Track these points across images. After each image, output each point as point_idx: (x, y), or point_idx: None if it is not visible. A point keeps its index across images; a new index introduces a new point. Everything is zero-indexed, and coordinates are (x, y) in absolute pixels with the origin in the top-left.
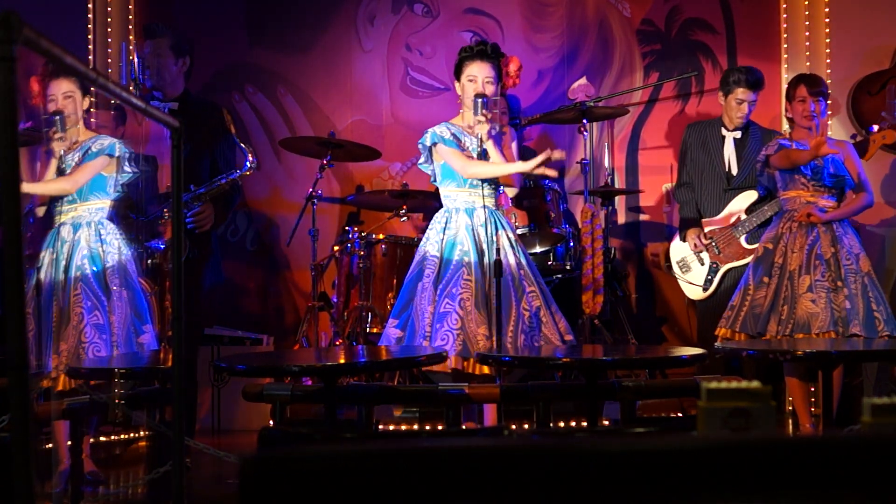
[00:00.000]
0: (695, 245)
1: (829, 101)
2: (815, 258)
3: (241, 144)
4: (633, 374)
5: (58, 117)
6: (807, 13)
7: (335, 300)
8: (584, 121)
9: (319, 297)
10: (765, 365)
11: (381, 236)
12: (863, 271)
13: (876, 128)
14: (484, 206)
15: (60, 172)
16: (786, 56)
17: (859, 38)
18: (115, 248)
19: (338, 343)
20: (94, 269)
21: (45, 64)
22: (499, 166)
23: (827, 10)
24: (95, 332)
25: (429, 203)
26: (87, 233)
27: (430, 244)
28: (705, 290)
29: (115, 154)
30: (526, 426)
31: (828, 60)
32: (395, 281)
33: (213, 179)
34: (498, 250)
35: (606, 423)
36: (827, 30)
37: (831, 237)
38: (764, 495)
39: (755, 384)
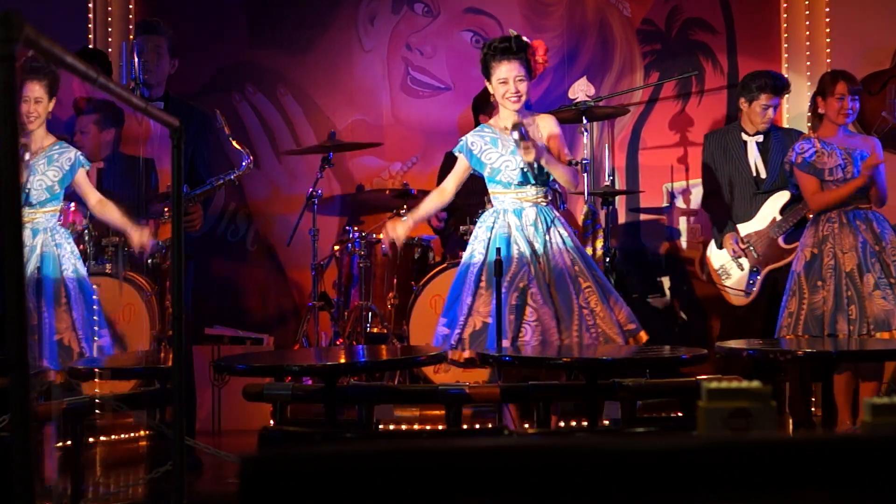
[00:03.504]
0: (733, 251)
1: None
2: (871, 256)
3: (237, 145)
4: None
5: (26, 153)
6: (807, 13)
7: (335, 300)
8: (585, 120)
9: (320, 297)
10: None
11: (381, 236)
12: None
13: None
14: (534, 205)
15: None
16: (786, 56)
17: (859, 37)
18: (69, 253)
19: (338, 343)
20: (51, 275)
21: (23, 61)
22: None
23: (827, 9)
24: (44, 334)
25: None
26: (43, 238)
27: (478, 242)
28: (748, 294)
29: (83, 165)
30: (527, 426)
31: (828, 60)
32: (395, 281)
33: (209, 180)
34: (498, 251)
35: (607, 422)
36: (827, 29)
37: (873, 235)
38: (765, 495)
39: (755, 384)
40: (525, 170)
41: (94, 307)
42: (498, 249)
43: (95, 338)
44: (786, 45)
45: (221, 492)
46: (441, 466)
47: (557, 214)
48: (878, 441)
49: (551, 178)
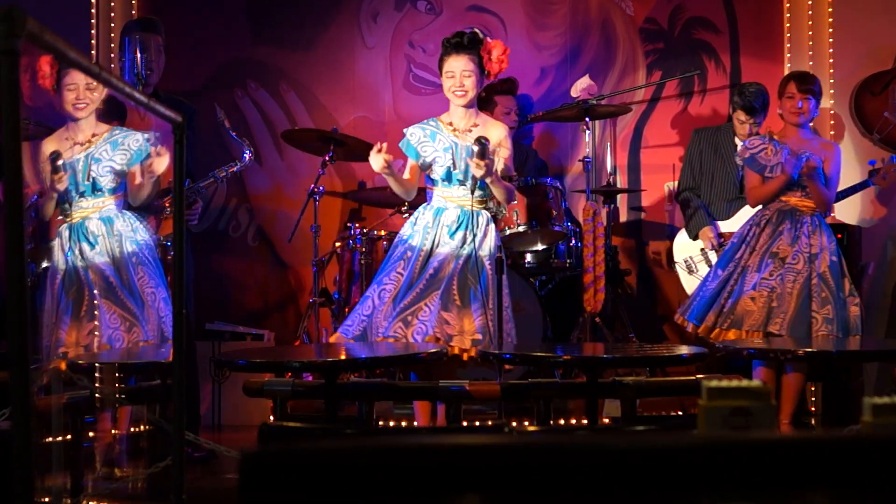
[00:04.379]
0: (710, 244)
1: (819, 102)
2: (769, 257)
3: (238, 138)
4: (633, 372)
5: (62, 164)
6: (810, 13)
7: (336, 296)
8: (587, 119)
9: (321, 293)
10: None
11: (382, 233)
12: (817, 270)
13: (878, 162)
14: (459, 207)
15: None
16: (789, 56)
17: (862, 38)
18: (144, 233)
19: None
20: (141, 252)
21: None
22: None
23: (830, 10)
24: (166, 306)
25: None
26: (122, 221)
27: (401, 233)
28: None
29: (153, 144)
30: (526, 423)
31: (831, 60)
32: None
33: (211, 173)
34: (500, 248)
35: (607, 421)
36: (830, 30)
37: (792, 236)
38: (765, 494)
39: (756, 383)
40: (451, 169)
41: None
42: (499, 247)
43: None
44: (788, 46)
45: (221, 487)
46: (441, 463)
47: (484, 218)
48: (878, 441)
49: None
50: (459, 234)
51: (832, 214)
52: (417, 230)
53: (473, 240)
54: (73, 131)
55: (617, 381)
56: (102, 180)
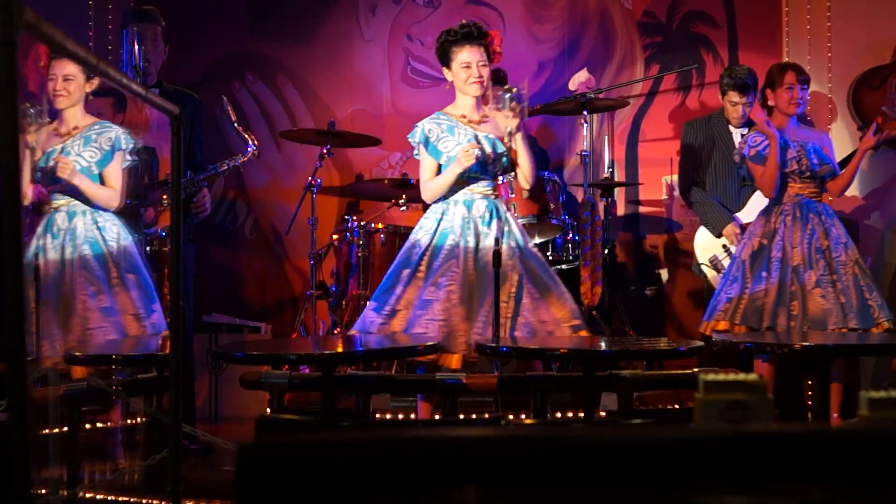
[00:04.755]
0: (737, 240)
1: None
2: (816, 252)
3: (242, 131)
4: (630, 365)
5: (32, 110)
6: (808, 7)
7: (333, 289)
8: (585, 112)
9: (318, 286)
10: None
11: (379, 225)
12: (851, 260)
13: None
14: (485, 197)
15: (50, 154)
16: (787, 49)
17: (860, 32)
18: (115, 233)
19: (336, 332)
20: (95, 253)
21: None
22: (444, 175)
23: (828, 3)
24: (102, 315)
25: None
26: (83, 220)
27: (423, 233)
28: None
29: (122, 148)
30: (523, 416)
31: (829, 54)
32: None
33: (213, 166)
34: (496, 241)
35: (604, 414)
36: (828, 24)
37: (823, 229)
38: (761, 488)
39: (752, 377)
40: (481, 159)
41: (147, 284)
42: (496, 240)
43: (148, 314)
44: (787, 39)
45: (218, 479)
46: (437, 455)
47: (508, 209)
48: (874, 435)
49: (503, 171)
50: (495, 225)
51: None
52: (453, 225)
53: (510, 230)
54: (59, 122)
55: (614, 374)
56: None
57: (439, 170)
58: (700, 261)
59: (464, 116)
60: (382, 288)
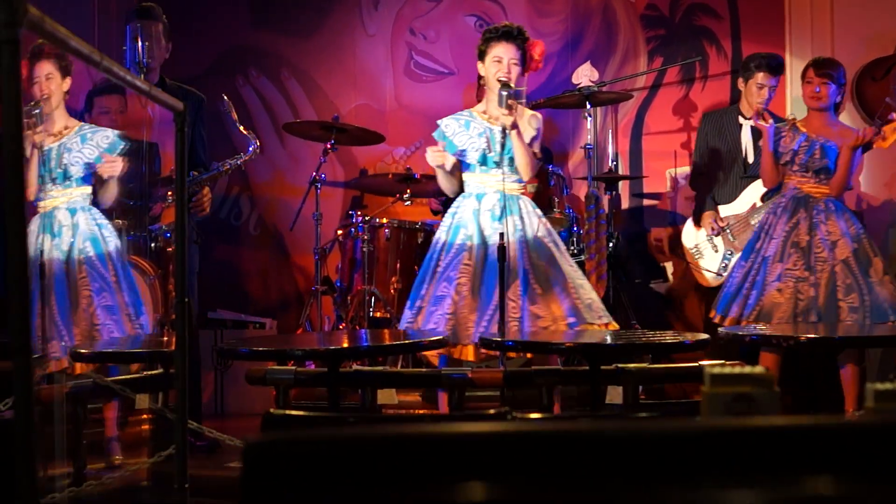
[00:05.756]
0: (711, 228)
1: (840, 88)
2: (791, 246)
3: (244, 130)
4: (636, 359)
5: (37, 110)
6: None
7: (338, 284)
8: (588, 105)
9: (323, 281)
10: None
11: (384, 220)
12: (837, 259)
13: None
14: (497, 190)
15: (49, 152)
16: (789, 41)
17: (864, 23)
18: (111, 232)
19: (341, 327)
20: (97, 252)
21: (34, 45)
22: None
23: None
24: (106, 313)
25: (432, 187)
26: (85, 217)
27: (442, 228)
28: (720, 276)
29: (119, 148)
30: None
31: (832, 46)
32: (398, 265)
33: (215, 165)
34: (501, 235)
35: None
36: (831, 15)
37: (809, 224)
38: (768, 481)
39: (759, 369)
40: (486, 153)
41: (134, 287)
42: (501, 234)
43: (137, 315)
44: (789, 32)
45: (224, 475)
46: (444, 450)
47: (525, 202)
48: (881, 426)
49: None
50: (508, 219)
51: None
52: (466, 219)
53: (523, 224)
54: (49, 122)
55: (619, 368)
56: (73, 168)
57: (458, 164)
58: (687, 247)
59: (485, 113)
60: (415, 285)
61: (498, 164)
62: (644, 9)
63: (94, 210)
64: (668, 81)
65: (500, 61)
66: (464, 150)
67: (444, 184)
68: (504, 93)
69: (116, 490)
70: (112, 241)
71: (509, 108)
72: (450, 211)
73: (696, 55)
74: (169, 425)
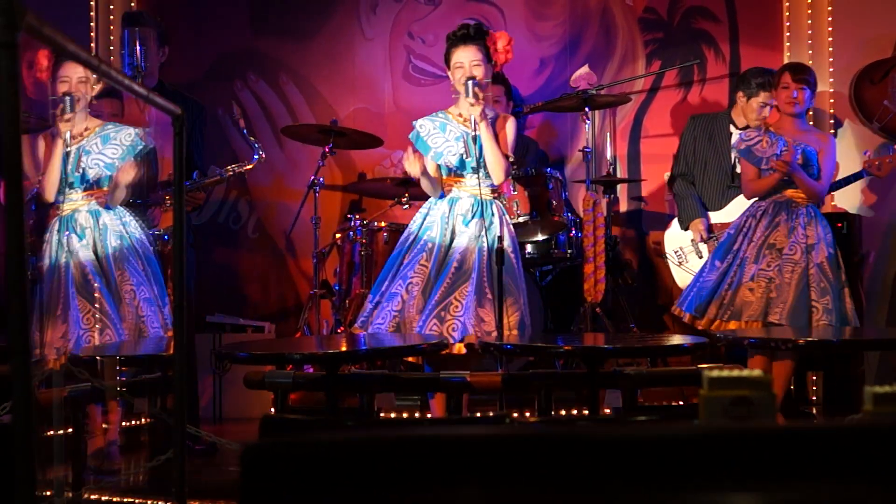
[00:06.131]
0: (700, 236)
1: (814, 92)
2: (766, 248)
3: (252, 138)
4: (634, 362)
5: (67, 98)
6: (809, 1)
7: (337, 288)
8: (587, 109)
9: (321, 285)
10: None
11: (382, 224)
12: (813, 261)
13: (870, 152)
14: (472, 196)
15: (66, 156)
16: (788, 45)
17: (862, 26)
18: (136, 227)
19: (339, 331)
20: (126, 247)
21: None
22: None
23: None
24: (147, 305)
25: None
26: (110, 217)
27: (410, 227)
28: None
29: (139, 148)
30: (528, 414)
31: (830, 49)
32: None
33: (218, 171)
34: (500, 239)
35: (608, 411)
36: (829, 18)
37: (788, 228)
38: (765, 484)
39: (757, 372)
40: (463, 157)
41: (161, 278)
42: (499, 238)
43: (163, 306)
44: (788, 34)
45: (223, 479)
46: (442, 454)
47: (497, 206)
48: (879, 430)
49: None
50: (474, 223)
51: (833, 203)
52: (434, 221)
53: (489, 230)
54: (72, 120)
55: (617, 371)
56: (91, 172)
57: (437, 166)
58: (665, 251)
59: (460, 115)
60: (377, 280)
61: (475, 169)
62: (642, 12)
63: (118, 208)
64: (667, 84)
65: (461, 66)
66: (439, 153)
67: (428, 187)
68: (470, 82)
69: (115, 494)
70: (137, 236)
71: (475, 97)
72: (421, 210)
73: (694, 58)
74: (167, 429)
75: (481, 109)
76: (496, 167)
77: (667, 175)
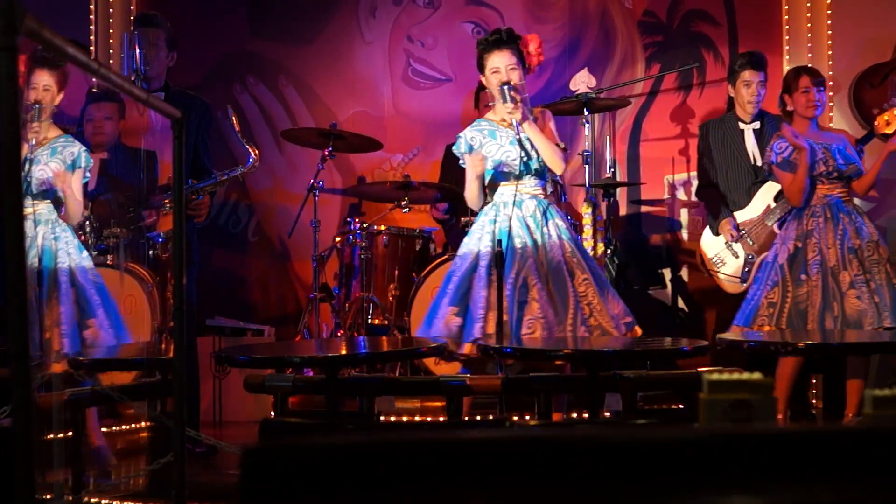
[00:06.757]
0: (731, 236)
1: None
2: (849, 252)
3: (244, 142)
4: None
5: (37, 106)
6: (808, 4)
7: (336, 291)
8: (586, 112)
9: (321, 289)
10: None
11: (382, 227)
12: (884, 259)
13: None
14: (533, 197)
15: (25, 163)
16: (787, 48)
17: (861, 29)
18: (66, 244)
19: (339, 334)
20: (45, 266)
21: (36, 48)
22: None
23: (829, 1)
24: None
25: (430, 194)
26: (43, 230)
27: (486, 234)
28: (743, 281)
29: (82, 165)
30: (528, 417)
31: (829, 52)
32: (396, 272)
33: (214, 174)
34: (499, 242)
35: (608, 414)
36: (829, 21)
37: (854, 228)
38: (766, 487)
39: (756, 376)
40: (524, 159)
41: (88, 297)
42: (499, 241)
43: (81, 328)
44: (787, 38)
45: (223, 483)
46: (442, 457)
47: (555, 206)
48: (879, 433)
49: (546, 170)
50: (552, 224)
51: None
52: (507, 225)
53: (560, 230)
54: (35, 131)
55: (617, 374)
56: (35, 183)
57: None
58: (711, 261)
59: (503, 120)
60: (456, 295)
61: (538, 171)
62: (642, 15)
63: (59, 224)
64: (666, 88)
65: (497, 72)
66: (497, 160)
67: (476, 196)
68: (506, 87)
69: (115, 497)
70: (65, 256)
71: (514, 101)
72: (484, 219)
73: (693, 61)
74: (167, 432)
75: (522, 111)
76: (554, 159)
77: (668, 178)
